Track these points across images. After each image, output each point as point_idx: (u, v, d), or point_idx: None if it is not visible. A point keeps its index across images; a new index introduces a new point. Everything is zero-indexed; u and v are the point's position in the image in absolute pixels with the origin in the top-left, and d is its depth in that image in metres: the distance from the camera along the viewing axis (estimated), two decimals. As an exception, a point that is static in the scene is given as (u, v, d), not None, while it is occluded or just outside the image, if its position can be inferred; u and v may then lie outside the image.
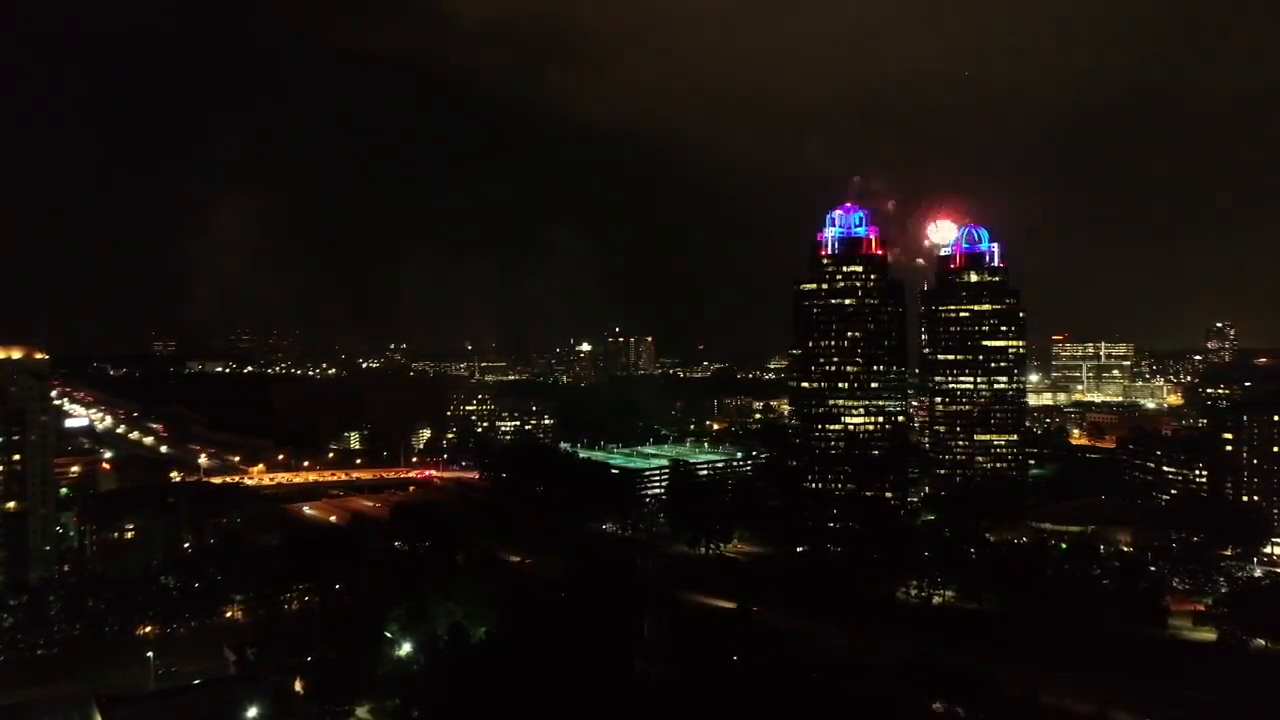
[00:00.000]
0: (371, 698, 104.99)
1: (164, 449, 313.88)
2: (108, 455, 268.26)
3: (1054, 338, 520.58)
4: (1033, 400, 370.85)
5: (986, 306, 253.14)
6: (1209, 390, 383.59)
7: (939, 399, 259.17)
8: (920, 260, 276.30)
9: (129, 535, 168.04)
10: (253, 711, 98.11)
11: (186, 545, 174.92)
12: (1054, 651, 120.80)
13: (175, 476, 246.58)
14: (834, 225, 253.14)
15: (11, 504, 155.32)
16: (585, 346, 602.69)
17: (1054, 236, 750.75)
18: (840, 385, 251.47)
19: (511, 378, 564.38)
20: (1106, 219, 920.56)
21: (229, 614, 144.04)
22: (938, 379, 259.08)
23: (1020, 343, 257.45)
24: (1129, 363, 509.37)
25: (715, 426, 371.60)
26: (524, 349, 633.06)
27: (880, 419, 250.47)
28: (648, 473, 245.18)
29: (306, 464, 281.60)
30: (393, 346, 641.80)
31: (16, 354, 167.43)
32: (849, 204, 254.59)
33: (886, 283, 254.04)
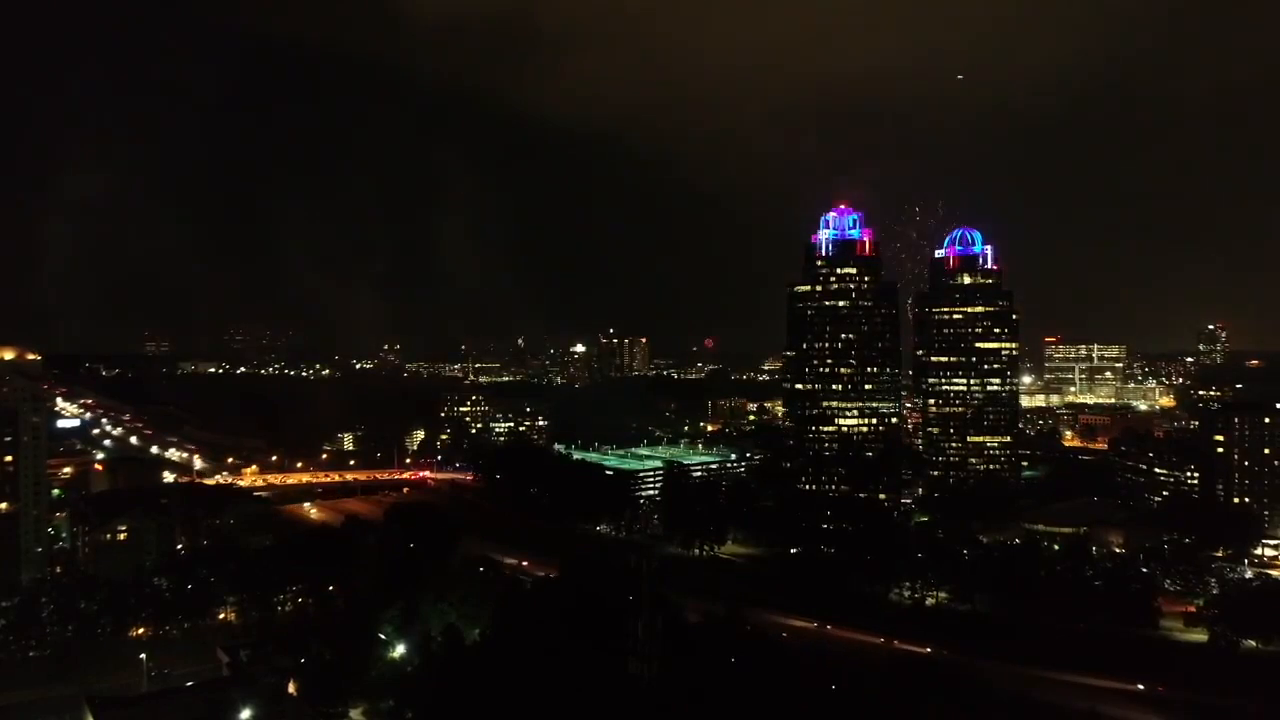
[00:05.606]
0: (365, 699, 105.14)
1: (156, 450, 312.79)
2: (100, 456, 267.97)
3: (1047, 339, 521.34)
4: (1025, 402, 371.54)
5: (980, 309, 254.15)
6: (1201, 392, 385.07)
7: (932, 401, 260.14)
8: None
9: (121, 536, 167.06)
10: (246, 713, 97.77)
11: (179, 546, 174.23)
12: (1047, 652, 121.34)
13: (168, 477, 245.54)
14: (828, 228, 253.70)
15: (3, 505, 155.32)
16: (579, 348, 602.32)
17: (1048, 238, 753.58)
18: (834, 387, 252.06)
19: (506, 379, 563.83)
20: (1099, 220, 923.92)
21: (222, 615, 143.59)
22: (931, 381, 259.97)
23: (1013, 344, 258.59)
24: (1121, 364, 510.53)
25: (709, 428, 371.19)
26: (518, 350, 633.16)
27: (874, 420, 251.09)
28: (642, 474, 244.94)
29: (300, 465, 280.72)
30: (387, 347, 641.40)
31: (9, 354, 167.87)
32: (843, 206, 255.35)
33: (880, 285, 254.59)
